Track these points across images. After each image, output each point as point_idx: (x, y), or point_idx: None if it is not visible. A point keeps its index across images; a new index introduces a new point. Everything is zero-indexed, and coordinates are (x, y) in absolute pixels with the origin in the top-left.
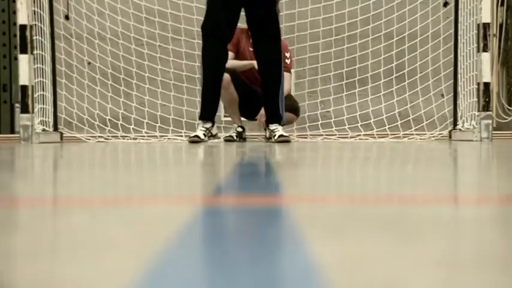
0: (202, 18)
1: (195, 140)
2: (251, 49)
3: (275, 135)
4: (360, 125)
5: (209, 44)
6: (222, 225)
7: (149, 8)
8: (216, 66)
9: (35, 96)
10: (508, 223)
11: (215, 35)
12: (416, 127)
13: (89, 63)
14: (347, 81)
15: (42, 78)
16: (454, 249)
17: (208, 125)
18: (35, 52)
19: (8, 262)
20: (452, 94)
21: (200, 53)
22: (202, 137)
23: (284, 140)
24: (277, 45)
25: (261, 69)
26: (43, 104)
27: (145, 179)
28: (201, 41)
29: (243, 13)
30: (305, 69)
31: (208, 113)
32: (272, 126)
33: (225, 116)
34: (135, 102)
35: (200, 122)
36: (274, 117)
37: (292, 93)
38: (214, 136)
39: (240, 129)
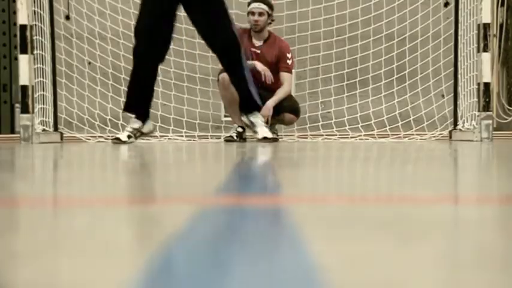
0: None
1: (116, 142)
2: (253, 49)
3: (256, 132)
4: (361, 126)
5: (140, 44)
6: (222, 225)
7: None
8: (143, 64)
9: (35, 96)
10: (508, 223)
11: (145, 36)
12: (417, 128)
13: (90, 63)
14: (348, 82)
15: (43, 78)
16: (454, 249)
17: (137, 125)
18: (35, 52)
19: (8, 262)
20: (452, 94)
21: (200, 52)
22: (125, 139)
23: (270, 141)
24: (224, 23)
25: (216, 53)
26: (43, 104)
27: (145, 179)
28: (201, 40)
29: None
30: (306, 70)
31: (131, 106)
32: (252, 117)
33: (225, 116)
34: None
35: (131, 120)
36: (247, 105)
37: (293, 94)
38: (147, 134)
39: (240, 130)
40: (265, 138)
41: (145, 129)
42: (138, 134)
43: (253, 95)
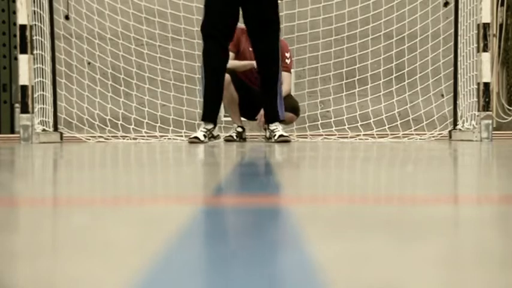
0: (201, 18)
1: (194, 141)
2: (251, 49)
3: (275, 135)
4: (360, 125)
5: (208, 44)
6: (222, 226)
7: (149, 8)
8: (216, 67)
9: (34, 96)
10: (508, 223)
11: (214, 36)
12: (416, 127)
13: (89, 63)
14: (347, 81)
15: (42, 78)
16: (454, 249)
17: (210, 126)
18: (34, 52)
19: (8, 262)
20: (452, 94)
21: (200, 53)
22: (202, 138)
23: (284, 140)
24: (275, 43)
25: (259, 67)
26: (43, 104)
27: (146, 179)
28: (201, 41)
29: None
30: (305, 69)
31: (210, 114)
32: (272, 126)
33: (225, 116)
34: (135, 102)
35: (202, 122)
36: (272, 116)
37: (292, 93)
38: (216, 137)
39: (240, 129)
40: (281, 136)
41: (215, 132)
42: (210, 135)
43: (279, 107)
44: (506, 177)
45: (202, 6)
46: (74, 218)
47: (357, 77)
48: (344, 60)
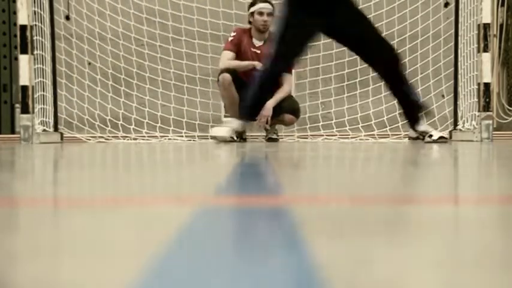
0: (202, 18)
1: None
2: (253, 49)
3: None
4: (361, 126)
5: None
6: (222, 226)
7: (150, 8)
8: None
9: (35, 96)
10: (508, 223)
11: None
12: None
13: (90, 63)
14: (348, 82)
15: (43, 78)
16: (454, 249)
17: (237, 125)
18: (35, 52)
19: (8, 262)
20: (452, 95)
21: (201, 53)
22: (232, 136)
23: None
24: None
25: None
26: (43, 104)
27: (146, 179)
28: (201, 41)
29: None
30: (306, 70)
31: (254, 114)
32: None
33: (225, 117)
34: (135, 102)
35: (237, 120)
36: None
37: (293, 94)
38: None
39: (240, 130)
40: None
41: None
42: (237, 134)
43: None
44: (506, 177)
45: (202, 6)
46: (74, 218)
47: (359, 79)
48: (345, 62)
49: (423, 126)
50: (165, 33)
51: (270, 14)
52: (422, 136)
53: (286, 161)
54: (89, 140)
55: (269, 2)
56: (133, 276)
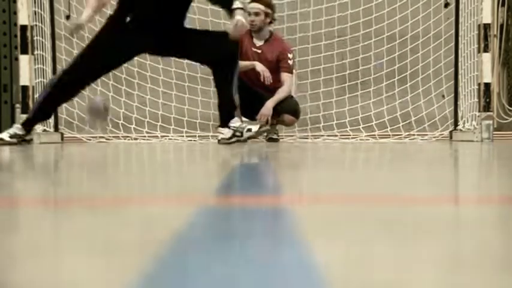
0: (203, 18)
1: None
2: (253, 49)
3: (250, 130)
4: (362, 127)
5: None
6: (223, 225)
7: None
8: None
9: (35, 96)
10: (508, 223)
11: None
12: (418, 128)
13: None
14: (349, 83)
15: (43, 78)
16: (454, 249)
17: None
18: (35, 52)
19: (8, 262)
20: (453, 95)
21: None
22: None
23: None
24: None
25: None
26: None
27: (146, 179)
28: None
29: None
30: (307, 71)
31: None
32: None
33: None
34: (136, 101)
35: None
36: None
37: (294, 95)
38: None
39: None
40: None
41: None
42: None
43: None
44: (506, 177)
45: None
46: (75, 218)
47: (360, 80)
48: (347, 63)
49: (237, 122)
50: None
51: (257, 14)
52: (239, 132)
53: (286, 161)
54: (90, 140)
55: (260, 2)
56: (133, 276)
